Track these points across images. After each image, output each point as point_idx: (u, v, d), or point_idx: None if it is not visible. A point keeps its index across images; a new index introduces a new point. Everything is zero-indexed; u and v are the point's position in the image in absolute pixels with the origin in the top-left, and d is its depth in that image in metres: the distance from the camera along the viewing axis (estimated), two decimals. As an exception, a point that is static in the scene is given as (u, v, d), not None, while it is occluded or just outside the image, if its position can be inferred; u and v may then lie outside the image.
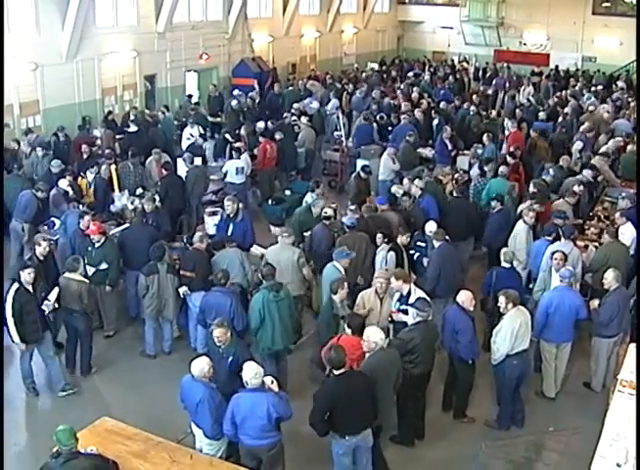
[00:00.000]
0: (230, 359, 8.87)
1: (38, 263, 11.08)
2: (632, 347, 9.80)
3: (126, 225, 13.70)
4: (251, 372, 7.83)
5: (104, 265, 11.98)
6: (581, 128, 20.60)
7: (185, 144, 19.64)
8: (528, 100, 26.16)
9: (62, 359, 11.29)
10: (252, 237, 13.27)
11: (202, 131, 20.18)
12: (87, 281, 11.07)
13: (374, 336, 8.61)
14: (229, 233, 12.88)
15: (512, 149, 17.60)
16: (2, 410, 9.44)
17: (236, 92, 25.54)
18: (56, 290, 10.68)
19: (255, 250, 12.82)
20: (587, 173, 16.08)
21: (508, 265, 11.61)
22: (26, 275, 10.24)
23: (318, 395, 8.20)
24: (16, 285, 10.19)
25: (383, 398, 8.48)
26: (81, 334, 11.26)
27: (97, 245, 12.02)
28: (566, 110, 23.61)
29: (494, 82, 32.58)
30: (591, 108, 24.45)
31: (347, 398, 8.01)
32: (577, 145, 18.82)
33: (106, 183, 15.41)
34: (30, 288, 10.29)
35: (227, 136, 19.93)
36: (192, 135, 19.85)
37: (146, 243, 12.18)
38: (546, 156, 18.71)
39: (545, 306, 10.52)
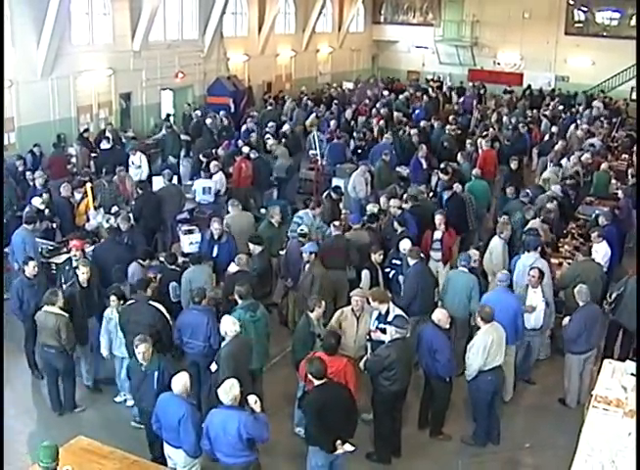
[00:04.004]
0: (156, 376, 8.84)
1: (80, 290, 10.98)
2: (606, 363, 9.90)
3: (99, 243, 13.58)
4: (226, 389, 7.80)
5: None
6: (556, 147, 20.86)
7: (131, 171, 18.61)
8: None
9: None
10: (239, 257, 13.20)
11: (142, 160, 19.10)
12: (66, 315, 10.46)
13: (224, 326, 9.24)
14: (214, 254, 12.83)
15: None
16: (2, 409, 9.31)
17: (197, 112, 25.26)
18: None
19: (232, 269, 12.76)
20: (556, 189, 16.26)
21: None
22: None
23: (307, 408, 8.40)
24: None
25: (242, 377, 8.53)
26: (62, 374, 10.68)
27: (75, 264, 11.83)
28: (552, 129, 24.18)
29: (462, 100, 33.03)
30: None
31: (331, 407, 8.13)
32: (564, 162, 19.11)
33: (65, 201, 15.22)
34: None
35: (201, 157, 19.82)
36: (133, 163, 18.94)
37: (117, 260, 12.11)
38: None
39: None
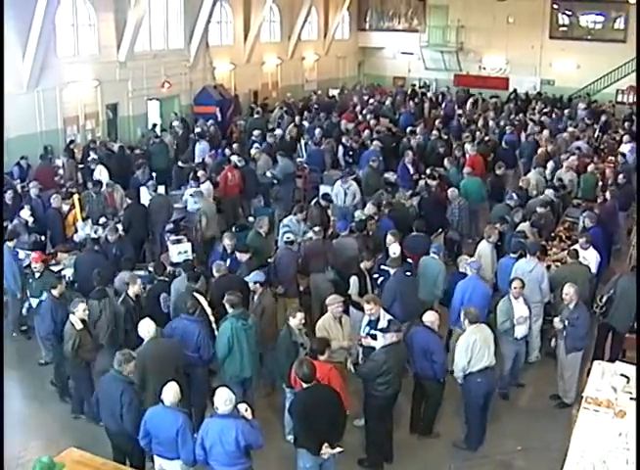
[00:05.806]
0: None
1: (132, 304, 10.93)
2: (596, 364, 9.95)
3: (81, 254, 13.57)
4: (221, 398, 7.78)
5: (45, 296, 11.45)
6: (539, 151, 20.98)
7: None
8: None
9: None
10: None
11: (102, 172, 18.72)
12: (77, 327, 10.19)
13: (140, 330, 9.58)
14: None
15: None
16: (2, 413, 9.26)
17: (179, 123, 24.95)
18: None
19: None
20: (549, 193, 16.29)
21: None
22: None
23: (293, 410, 8.44)
24: None
25: (162, 380, 8.47)
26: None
27: (37, 275, 12.00)
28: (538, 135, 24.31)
29: (443, 105, 33.16)
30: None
31: (317, 409, 8.16)
32: (550, 165, 19.21)
33: (56, 212, 15.24)
34: None
35: (180, 164, 19.83)
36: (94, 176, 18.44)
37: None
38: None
39: (461, 294, 11.36)
